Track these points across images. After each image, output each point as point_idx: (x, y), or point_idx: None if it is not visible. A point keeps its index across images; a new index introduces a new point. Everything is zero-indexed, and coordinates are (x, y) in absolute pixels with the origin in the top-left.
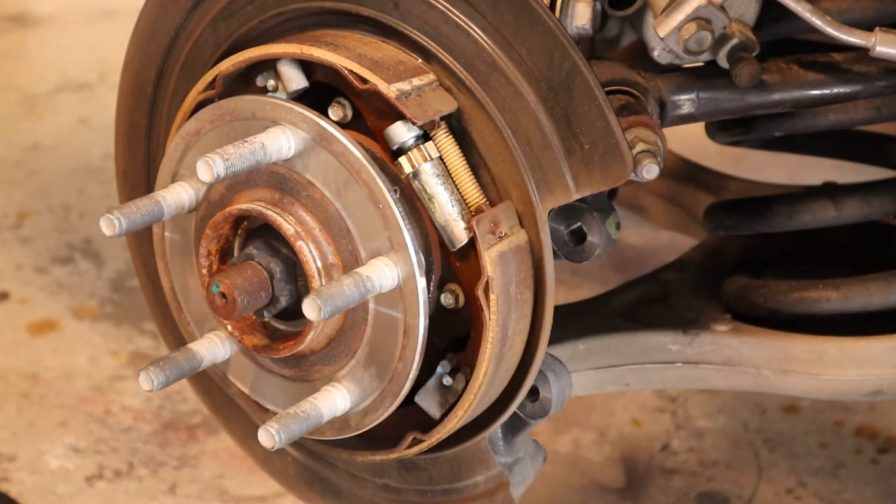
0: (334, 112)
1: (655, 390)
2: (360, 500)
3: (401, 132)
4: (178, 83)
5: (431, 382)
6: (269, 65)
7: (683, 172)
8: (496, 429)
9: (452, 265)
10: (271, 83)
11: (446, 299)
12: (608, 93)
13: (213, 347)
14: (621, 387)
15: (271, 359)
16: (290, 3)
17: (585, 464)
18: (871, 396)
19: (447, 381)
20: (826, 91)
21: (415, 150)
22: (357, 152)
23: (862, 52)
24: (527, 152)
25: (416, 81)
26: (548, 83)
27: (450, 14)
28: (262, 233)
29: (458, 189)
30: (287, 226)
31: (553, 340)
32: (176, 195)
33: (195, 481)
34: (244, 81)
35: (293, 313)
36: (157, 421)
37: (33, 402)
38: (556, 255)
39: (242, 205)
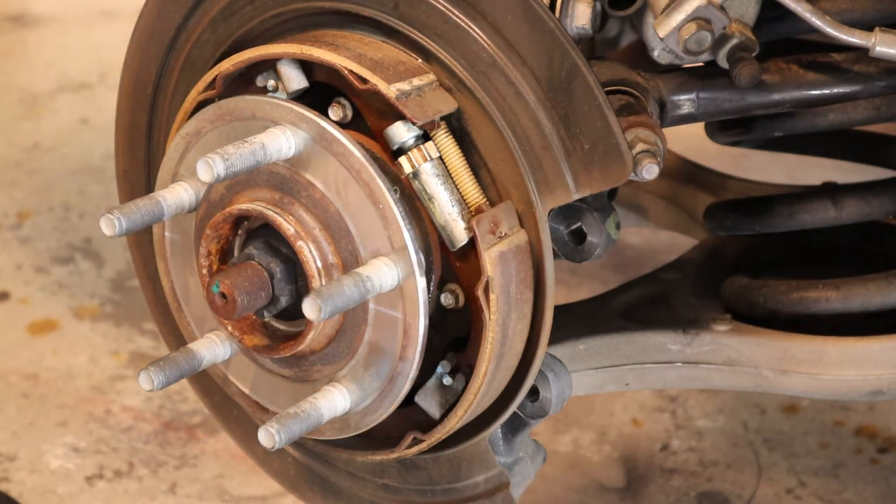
0: (334, 112)
1: (655, 390)
2: (360, 499)
3: (401, 132)
4: (178, 83)
5: (431, 382)
6: (269, 65)
7: (683, 172)
8: (496, 429)
9: (452, 265)
10: (271, 83)
11: (446, 299)
12: (608, 93)
13: (213, 347)
14: (621, 387)
15: (271, 359)
16: (290, 4)
17: (585, 464)
18: (871, 396)
19: (447, 380)
20: (826, 91)
21: (415, 150)
22: (357, 152)
23: (862, 52)
24: (527, 152)
25: (416, 81)
26: (548, 83)
27: (450, 14)
28: (263, 233)
29: (458, 189)
30: (287, 226)
31: (553, 340)
32: (176, 195)
33: (195, 481)
34: (244, 81)
35: (293, 313)
36: (157, 421)
37: (33, 402)
38: (556, 255)
39: (242, 205)
